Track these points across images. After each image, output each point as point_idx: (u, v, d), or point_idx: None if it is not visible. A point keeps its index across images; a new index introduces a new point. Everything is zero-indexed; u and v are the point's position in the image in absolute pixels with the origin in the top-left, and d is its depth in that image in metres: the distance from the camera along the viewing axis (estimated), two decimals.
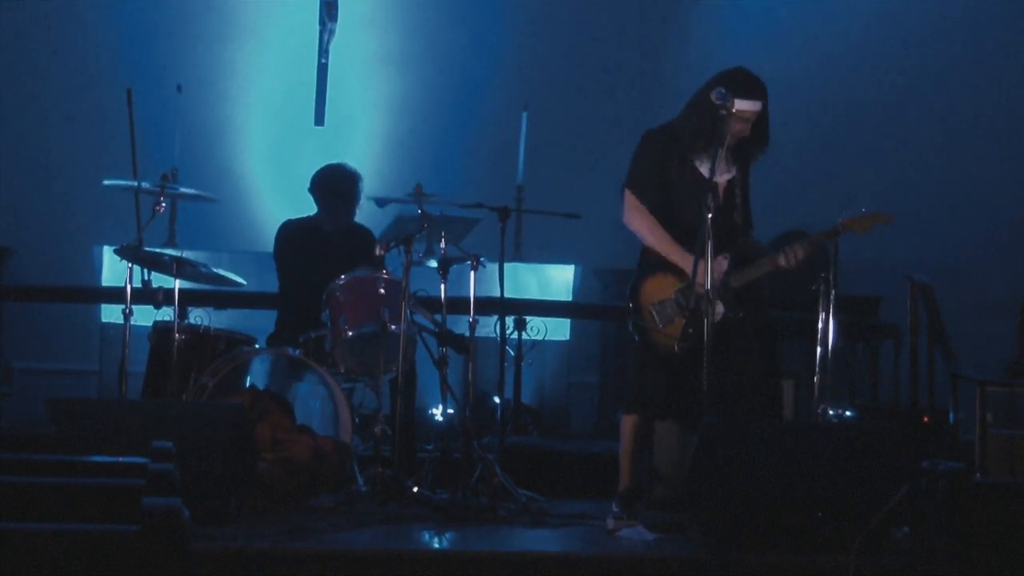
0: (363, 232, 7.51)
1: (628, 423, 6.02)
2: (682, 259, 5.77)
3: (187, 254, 7.32)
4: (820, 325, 6.18)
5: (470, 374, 6.82)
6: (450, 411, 7.13)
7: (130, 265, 6.66)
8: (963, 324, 7.73)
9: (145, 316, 6.88)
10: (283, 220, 7.61)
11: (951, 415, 6.85)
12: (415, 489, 6.35)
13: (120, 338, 6.74)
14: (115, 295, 7.14)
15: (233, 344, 6.91)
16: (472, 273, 6.74)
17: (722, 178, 5.92)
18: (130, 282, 6.65)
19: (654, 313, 5.86)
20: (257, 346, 7.03)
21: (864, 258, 7.98)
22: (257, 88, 9.71)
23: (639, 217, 5.94)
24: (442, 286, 6.79)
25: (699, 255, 5.63)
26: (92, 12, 9.54)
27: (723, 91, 5.70)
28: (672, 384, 5.87)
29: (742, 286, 5.85)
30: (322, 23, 9.67)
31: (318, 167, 7.55)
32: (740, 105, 5.74)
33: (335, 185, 7.43)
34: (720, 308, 5.74)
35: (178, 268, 6.74)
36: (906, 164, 9.63)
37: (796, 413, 7.35)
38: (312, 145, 9.33)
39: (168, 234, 8.90)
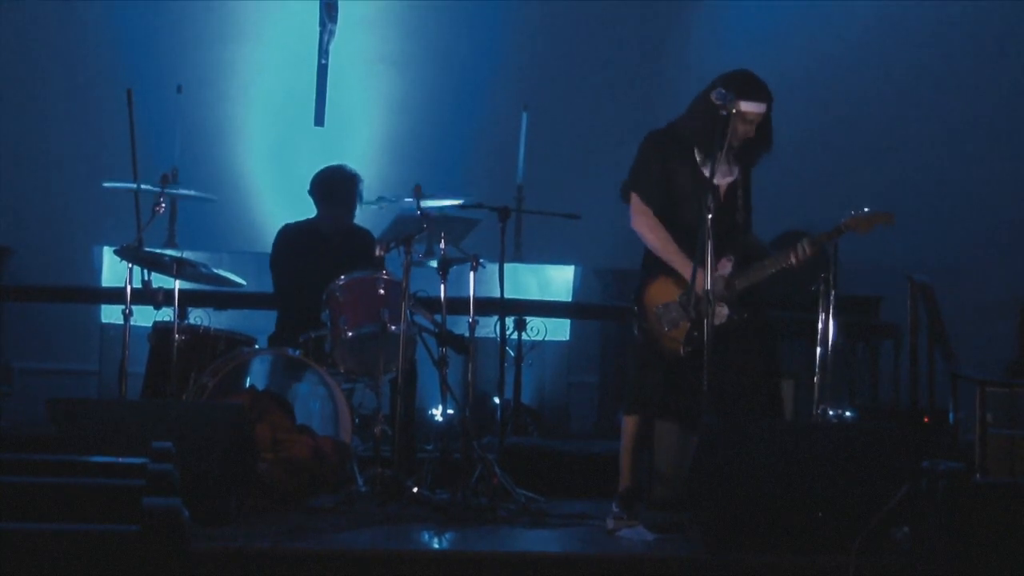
0: (362, 234, 7.51)
1: (629, 423, 6.03)
2: (684, 266, 5.77)
3: (187, 254, 7.32)
4: (820, 325, 6.18)
5: (470, 374, 6.82)
6: (450, 411, 7.13)
7: (130, 265, 6.66)
8: (963, 324, 7.73)
9: (145, 316, 6.88)
10: (282, 223, 7.61)
11: (951, 415, 6.85)
12: (415, 489, 6.35)
13: (120, 338, 6.74)
14: (115, 295, 7.14)
15: (233, 344, 6.91)
16: (472, 273, 6.74)
17: (724, 180, 5.93)
18: (130, 282, 6.65)
19: (659, 316, 5.86)
20: (257, 346, 7.03)
21: (864, 258, 7.98)
22: (257, 89, 9.71)
23: (645, 222, 5.93)
24: (442, 286, 6.79)
25: (699, 256, 5.63)
26: (92, 12, 9.54)
27: (723, 91, 5.70)
28: (672, 384, 5.87)
29: (745, 287, 5.85)
30: (322, 24, 9.67)
31: (318, 168, 7.55)
32: (745, 107, 5.74)
33: (334, 187, 7.43)
34: (724, 310, 5.74)
35: (178, 268, 6.74)
36: (906, 164, 9.63)
37: (796, 413, 7.36)
38: (312, 146, 9.33)
39: (168, 234, 8.90)
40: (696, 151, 5.91)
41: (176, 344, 6.68)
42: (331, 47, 9.67)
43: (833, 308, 6.14)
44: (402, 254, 6.65)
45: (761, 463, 5.46)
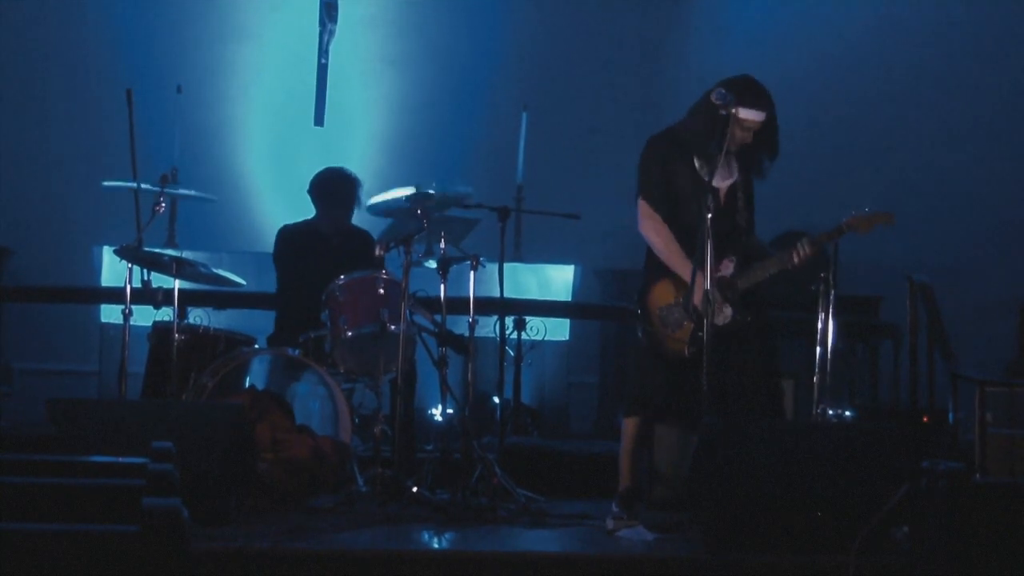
0: (362, 235, 7.51)
1: (629, 425, 6.02)
2: (688, 273, 5.75)
3: (187, 254, 7.32)
4: (820, 325, 6.18)
5: (470, 374, 6.82)
6: (450, 411, 7.13)
7: (130, 265, 6.66)
8: (963, 324, 7.73)
9: (145, 316, 6.88)
10: (282, 223, 7.61)
11: (951, 415, 6.85)
12: (415, 489, 6.35)
13: (120, 338, 6.74)
14: (115, 295, 7.14)
15: (233, 344, 6.91)
16: (472, 273, 6.74)
17: (723, 182, 5.92)
18: (130, 282, 6.65)
19: (662, 318, 5.86)
20: (257, 346, 7.03)
21: (864, 258, 7.98)
22: (257, 88, 9.71)
23: (654, 228, 5.93)
24: (442, 286, 6.78)
25: (699, 258, 5.63)
26: (92, 12, 9.54)
27: (723, 92, 5.69)
28: (673, 385, 5.87)
29: (747, 288, 5.85)
30: (322, 24, 9.67)
31: (318, 168, 7.56)
32: (743, 114, 5.73)
33: (333, 188, 7.43)
34: (728, 311, 5.74)
35: (178, 268, 6.74)
36: (906, 164, 9.63)
37: (796, 413, 7.35)
38: (312, 145, 9.33)
39: (168, 234, 8.90)
40: (695, 153, 5.90)
41: (176, 344, 6.68)
42: (331, 47, 9.67)
43: (833, 308, 6.14)
44: (402, 254, 6.65)
45: (761, 463, 5.46)
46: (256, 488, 6.13)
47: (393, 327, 6.61)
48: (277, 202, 9.21)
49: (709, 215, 5.57)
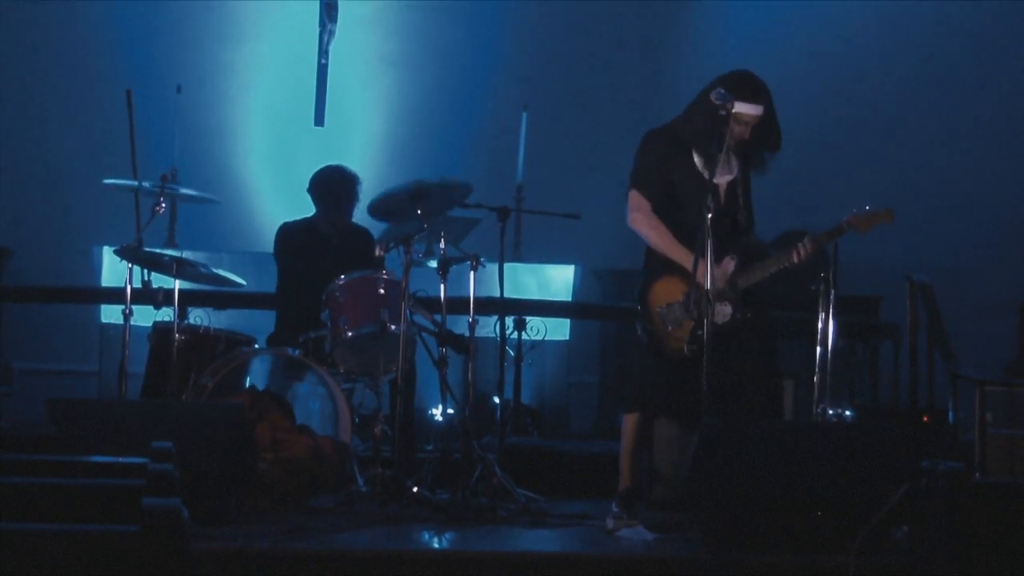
0: (362, 233, 7.51)
1: (629, 422, 6.02)
2: (687, 261, 5.75)
3: (187, 254, 7.32)
4: (820, 325, 6.18)
5: (470, 374, 6.82)
6: (450, 411, 7.13)
7: (130, 265, 6.66)
8: (963, 324, 7.73)
9: (145, 316, 6.88)
10: (281, 223, 7.61)
11: (951, 415, 6.86)
12: (415, 489, 6.35)
13: (120, 338, 6.74)
14: (115, 296, 7.15)
15: (233, 344, 6.91)
16: (472, 273, 6.74)
17: (723, 179, 5.92)
18: (130, 282, 6.65)
19: (663, 316, 5.86)
20: (257, 346, 7.03)
21: (864, 258, 7.98)
22: (257, 89, 9.71)
23: (643, 219, 5.93)
24: (442, 286, 6.78)
25: (700, 256, 5.63)
26: (92, 12, 9.54)
27: (723, 91, 5.69)
28: (673, 384, 5.87)
29: (747, 287, 5.85)
30: (322, 24, 9.67)
31: (318, 168, 7.55)
32: (740, 108, 5.73)
33: (333, 186, 7.43)
34: (728, 309, 5.74)
35: (178, 268, 6.74)
36: (906, 164, 9.63)
37: (796, 413, 7.35)
38: (312, 146, 9.33)
39: (168, 234, 8.91)
40: (694, 151, 5.91)
41: (176, 344, 6.68)
42: (331, 47, 9.68)
43: (833, 308, 6.13)
44: (402, 254, 6.65)
45: (761, 463, 5.46)
46: (256, 488, 6.13)
47: (393, 327, 6.61)
48: (277, 202, 9.21)
49: (710, 214, 5.57)
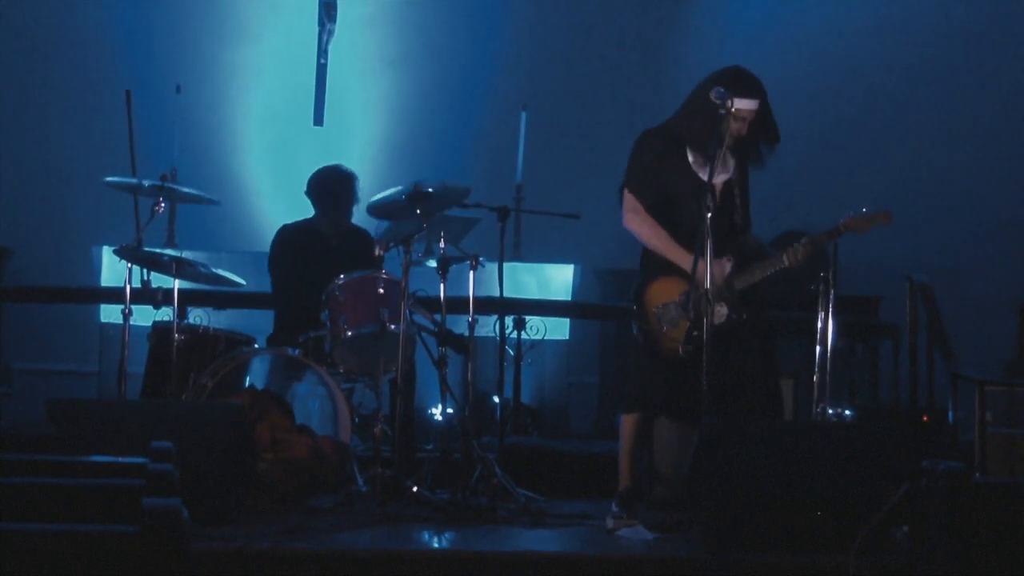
0: (361, 233, 7.51)
1: (628, 422, 6.02)
2: (683, 260, 5.75)
3: (186, 254, 7.32)
4: (820, 325, 6.18)
5: (469, 374, 6.82)
6: (449, 411, 7.12)
7: (129, 265, 6.66)
8: (963, 324, 7.73)
9: (144, 316, 6.88)
10: (281, 223, 7.62)
11: (951, 415, 6.86)
12: (415, 489, 6.34)
13: (120, 338, 6.74)
14: (114, 295, 7.15)
15: (232, 344, 6.91)
16: (471, 273, 6.74)
17: (719, 179, 5.90)
18: (129, 282, 6.65)
19: (659, 316, 5.85)
20: (256, 346, 7.03)
21: (864, 258, 7.98)
22: (256, 88, 9.71)
23: (638, 219, 5.92)
24: (441, 286, 6.78)
25: (698, 256, 5.63)
26: (92, 12, 9.54)
27: (722, 90, 5.68)
28: (672, 384, 5.86)
29: (745, 287, 5.84)
30: (321, 24, 9.67)
31: (317, 167, 7.55)
32: (737, 104, 5.72)
33: (331, 186, 7.43)
34: (724, 310, 5.73)
35: (177, 268, 6.74)
36: (906, 164, 9.63)
37: (796, 413, 7.35)
38: (311, 145, 9.33)
39: (167, 234, 8.90)
40: (692, 151, 5.90)
41: (176, 344, 6.68)
42: (330, 47, 9.68)
43: (833, 308, 6.13)
44: (401, 253, 6.65)
45: (761, 463, 5.46)
46: (256, 488, 6.13)
47: (393, 327, 6.60)
48: (277, 202, 9.21)
49: (709, 214, 5.56)
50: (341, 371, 6.82)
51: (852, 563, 5.10)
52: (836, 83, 9.76)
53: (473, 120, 9.71)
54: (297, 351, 6.84)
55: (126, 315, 6.65)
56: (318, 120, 9.63)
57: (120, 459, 4.40)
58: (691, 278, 5.67)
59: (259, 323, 7.56)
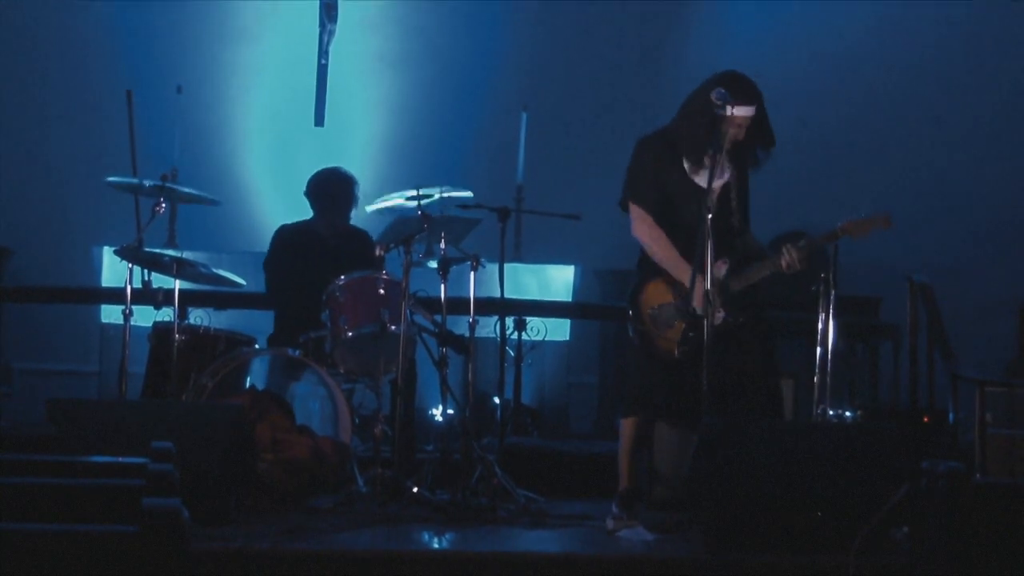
0: (360, 234, 7.51)
1: (627, 425, 6.02)
2: (684, 274, 5.74)
3: (187, 255, 7.32)
4: (820, 326, 6.17)
5: (470, 374, 6.82)
6: (450, 412, 7.13)
7: (130, 266, 6.67)
8: (963, 324, 7.73)
9: (145, 317, 6.89)
10: (282, 223, 7.62)
11: (951, 415, 6.85)
12: (415, 490, 6.34)
13: (120, 339, 6.74)
14: (115, 296, 7.15)
15: (233, 345, 6.91)
16: (472, 274, 6.74)
17: (717, 181, 5.91)
18: (130, 283, 6.65)
19: (654, 317, 5.85)
20: (257, 347, 7.03)
21: (864, 258, 7.98)
22: (257, 89, 9.71)
23: (647, 230, 5.92)
24: (442, 286, 6.79)
25: (698, 258, 5.62)
26: (92, 12, 9.53)
27: (724, 91, 5.68)
28: (672, 385, 5.86)
29: (742, 289, 5.84)
30: (322, 24, 9.67)
31: (318, 168, 7.56)
32: (735, 111, 5.72)
33: (330, 188, 7.44)
34: (720, 313, 5.73)
35: (178, 269, 6.74)
36: (906, 164, 9.63)
37: (796, 413, 7.35)
38: (312, 146, 9.33)
39: (168, 235, 8.90)
40: (691, 155, 5.89)
41: (176, 344, 6.68)
42: (331, 47, 9.67)
43: (833, 308, 6.13)
44: (402, 254, 6.65)
45: (761, 463, 5.46)
46: (256, 488, 6.13)
47: (393, 327, 6.61)
48: (277, 202, 9.21)
49: (709, 215, 5.56)
50: (341, 371, 6.82)
51: (852, 563, 5.10)
52: (836, 83, 9.76)
53: (474, 121, 9.71)
54: (297, 351, 6.84)
55: (127, 315, 6.65)
56: (319, 121, 9.62)
57: (120, 459, 4.41)
58: (691, 290, 5.66)
59: (259, 323, 7.56)
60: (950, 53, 9.69)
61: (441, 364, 6.74)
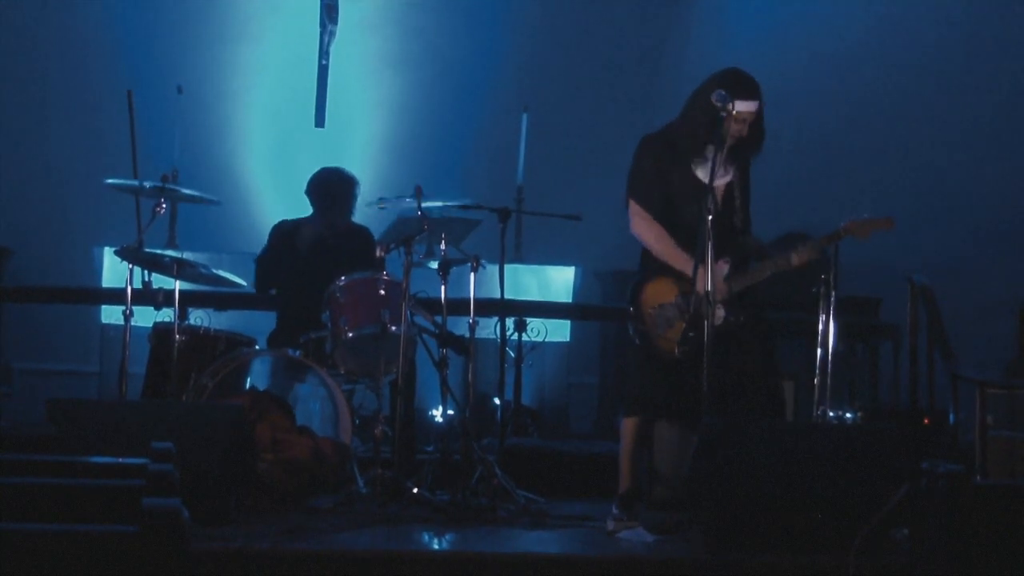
0: (362, 233, 7.51)
1: (629, 424, 6.02)
2: (687, 267, 5.75)
3: (187, 255, 7.32)
4: (820, 326, 6.17)
5: (470, 375, 6.82)
6: (450, 412, 7.13)
7: (130, 266, 6.67)
8: (963, 324, 7.72)
9: (145, 317, 6.88)
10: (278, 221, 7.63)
11: (951, 416, 6.85)
12: (415, 490, 6.34)
13: (120, 339, 6.74)
14: (115, 296, 7.15)
15: (233, 345, 6.91)
16: (472, 274, 6.74)
17: (720, 181, 5.91)
18: (130, 283, 6.65)
19: (655, 317, 5.85)
20: (257, 347, 7.03)
21: (864, 259, 7.98)
22: (257, 89, 9.71)
23: (645, 226, 5.93)
24: (442, 287, 6.79)
25: (699, 258, 5.63)
26: (92, 12, 9.54)
27: (724, 93, 5.69)
28: (672, 385, 5.86)
29: (742, 289, 5.84)
30: (322, 25, 9.67)
31: (317, 169, 7.56)
32: (739, 107, 5.73)
33: (330, 187, 7.44)
34: (721, 312, 5.73)
35: (178, 269, 6.74)
36: (906, 164, 9.63)
37: (796, 414, 7.35)
38: (312, 147, 9.33)
39: (168, 235, 8.91)
40: (692, 154, 5.89)
41: (176, 345, 6.68)
42: (331, 48, 9.67)
43: (833, 309, 6.13)
44: (402, 255, 6.65)
45: (761, 463, 5.46)
46: (256, 488, 6.13)
47: (394, 328, 6.61)
48: (277, 203, 9.21)
49: (710, 216, 5.56)
50: (342, 372, 6.82)
51: (852, 563, 5.10)
52: (836, 83, 9.76)
53: (474, 121, 9.71)
54: (298, 352, 6.84)
55: (127, 316, 6.65)
56: (319, 121, 9.63)
57: (120, 459, 4.40)
58: (692, 280, 5.66)
59: (260, 324, 7.56)
60: (950, 53, 9.68)
61: (441, 365, 6.74)
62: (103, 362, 8.64)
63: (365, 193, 7.57)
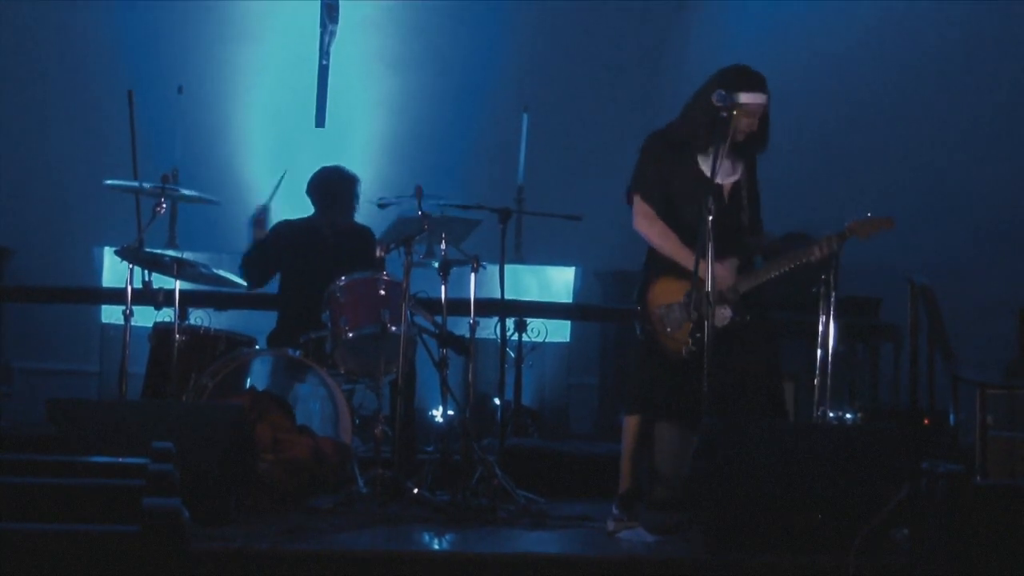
0: (363, 232, 7.51)
1: (630, 424, 6.02)
2: (689, 262, 5.74)
3: (187, 255, 7.32)
4: (821, 327, 6.17)
5: (470, 376, 6.82)
6: (450, 412, 7.13)
7: (130, 266, 6.67)
8: (963, 325, 7.72)
9: (145, 317, 6.89)
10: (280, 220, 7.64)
11: (951, 417, 6.85)
12: (415, 490, 6.35)
13: (120, 339, 6.74)
14: (115, 296, 7.15)
15: (233, 345, 6.91)
16: (472, 275, 6.74)
17: (727, 180, 5.91)
18: (130, 283, 6.65)
19: (662, 317, 5.85)
20: (257, 347, 7.03)
21: (864, 259, 7.97)
22: (258, 89, 9.72)
23: (649, 223, 5.92)
24: (442, 287, 6.79)
25: (701, 258, 5.63)
26: (92, 13, 9.54)
27: (724, 93, 5.68)
28: (674, 385, 5.86)
29: (749, 289, 5.84)
30: (323, 25, 9.67)
31: (318, 168, 7.56)
32: (745, 99, 5.71)
33: (331, 187, 7.44)
34: (727, 312, 5.73)
35: (178, 269, 6.75)
36: (906, 164, 9.62)
37: (796, 415, 7.35)
38: (313, 147, 9.33)
39: (168, 235, 8.91)
40: (695, 152, 5.89)
41: (176, 345, 6.68)
42: (332, 48, 9.68)
43: (834, 310, 6.13)
44: (403, 255, 6.66)
45: (761, 463, 5.46)
46: (256, 488, 6.13)
47: (394, 328, 6.61)
48: (278, 203, 9.21)
49: (710, 216, 5.56)
50: (342, 372, 6.82)
51: (852, 563, 5.10)
52: (836, 83, 9.75)
53: (475, 122, 9.71)
54: (298, 352, 6.84)
55: (127, 316, 6.65)
56: (320, 122, 9.63)
57: (120, 459, 4.40)
58: (694, 279, 5.67)
59: (260, 324, 7.56)
60: (950, 53, 9.68)
61: (441, 365, 6.74)
62: (103, 362, 8.64)
63: (365, 193, 7.57)
